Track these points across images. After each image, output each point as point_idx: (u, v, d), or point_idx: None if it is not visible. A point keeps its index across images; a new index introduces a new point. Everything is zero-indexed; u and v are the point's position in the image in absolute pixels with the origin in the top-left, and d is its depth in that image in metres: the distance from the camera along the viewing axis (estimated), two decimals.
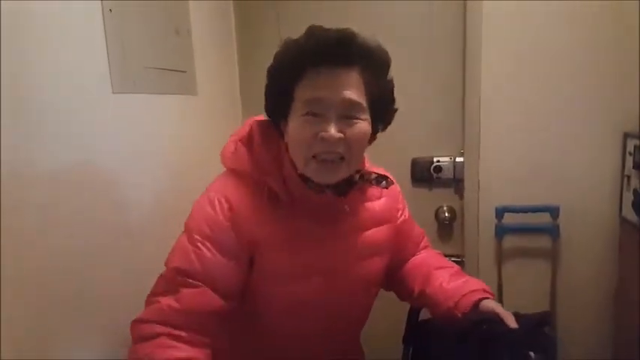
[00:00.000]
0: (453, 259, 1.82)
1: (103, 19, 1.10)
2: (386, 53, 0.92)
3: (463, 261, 1.82)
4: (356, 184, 0.98)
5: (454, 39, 1.77)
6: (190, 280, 0.87)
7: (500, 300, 1.75)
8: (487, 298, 0.98)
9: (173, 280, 0.88)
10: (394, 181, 1.05)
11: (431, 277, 1.07)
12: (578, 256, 1.74)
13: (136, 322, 0.88)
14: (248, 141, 0.96)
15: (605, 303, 1.74)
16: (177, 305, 0.85)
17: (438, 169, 1.83)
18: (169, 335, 0.84)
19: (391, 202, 1.08)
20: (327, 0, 1.81)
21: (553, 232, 1.72)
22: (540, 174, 1.72)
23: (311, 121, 0.87)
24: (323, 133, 0.85)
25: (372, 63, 0.89)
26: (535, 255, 1.77)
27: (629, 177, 1.60)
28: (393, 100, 0.97)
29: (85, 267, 1.03)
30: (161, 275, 0.91)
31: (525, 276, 1.77)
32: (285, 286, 0.94)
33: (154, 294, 0.90)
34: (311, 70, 0.86)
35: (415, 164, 1.85)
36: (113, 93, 1.13)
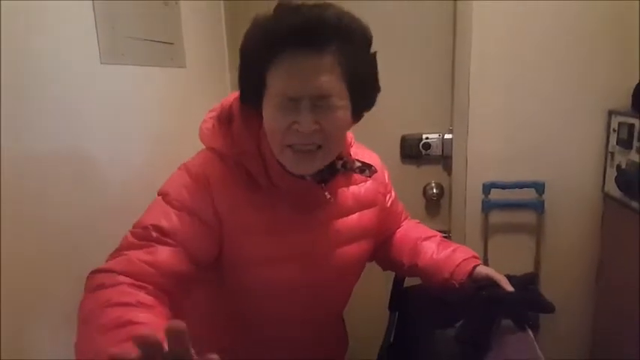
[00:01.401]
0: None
1: None
2: (364, 29, 0.84)
3: (450, 236, 1.85)
4: (338, 171, 0.94)
5: (445, 17, 1.76)
6: (167, 239, 0.81)
7: None
8: (478, 264, 1.02)
9: (147, 236, 0.81)
10: (377, 169, 1.00)
11: (420, 250, 1.08)
12: (562, 231, 1.79)
13: (95, 272, 0.77)
14: (227, 119, 0.91)
15: (588, 276, 1.80)
16: (149, 258, 0.78)
17: (427, 145, 1.84)
18: (132, 285, 0.74)
19: (377, 186, 1.06)
20: None
21: (538, 207, 1.75)
22: (526, 151, 1.74)
23: (284, 110, 0.80)
24: (297, 126, 0.80)
25: (347, 42, 0.80)
26: (521, 230, 1.81)
27: (612, 153, 1.64)
28: (375, 80, 0.88)
29: (76, 252, 1.01)
30: (130, 233, 0.83)
31: (511, 250, 1.81)
32: (261, 270, 0.92)
33: (120, 249, 0.81)
34: (281, 56, 0.79)
35: (404, 141, 1.87)
36: (101, 64, 1.11)
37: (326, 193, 0.93)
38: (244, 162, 0.88)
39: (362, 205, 1.01)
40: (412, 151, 1.86)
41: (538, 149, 1.74)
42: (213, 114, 0.93)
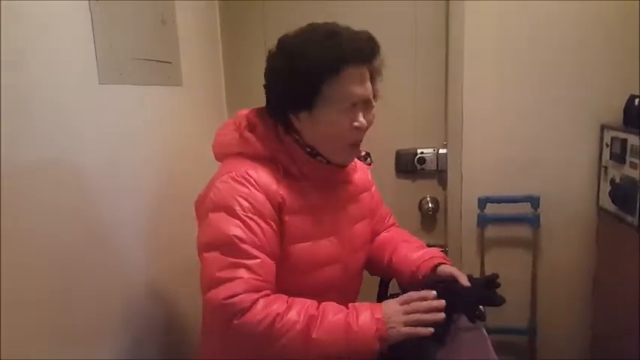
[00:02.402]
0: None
1: (90, 9, 1.08)
2: (380, 46, 1.04)
3: (446, 250, 1.85)
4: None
5: (437, 32, 1.79)
6: (252, 250, 0.92)
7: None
8: (445, 263, 1.11)
9: (238, 250, 0.91)
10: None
11: (397, 248, 1.21)
12: (558, 245, 1.80)
13: (226, 300, 0.88)
14: (251, 127, 1.04)
15: (584, 289, 1.80)
16: (259, 275, 0.92)
17: (422, 160, 1.86)
18: (264, 296, 0.91)
19: (363, 175, 1.22)
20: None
21: (534, 221, 1.76)
22: (521, 165, 1.76)
23: (346, 113, 0.99)
24: (357, 124, 0.99)
25: (377, 58, 1.03)
26: (516, 244, 1.82)
27: (606, 168, 1.66)
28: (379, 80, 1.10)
29: (72, 262, 1.01)
30: (216, 253, 0.92)
31: (507, 264, 1.82)
32: (305, 247, 1.03)
33: (221, 269, 0.91)
34: (344, 68, 0.96)
35: (399, 156, 1.88)
36: (100, 84, 1.12)
37: (343, 175, 1.11)
38: (276, 157, 1.03)
39: (360, 189, 1.18)
40: (407, 165, 1.88)
41: (532, 164, 1.76)
42: (231, 127, 1.06)
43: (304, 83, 0.96)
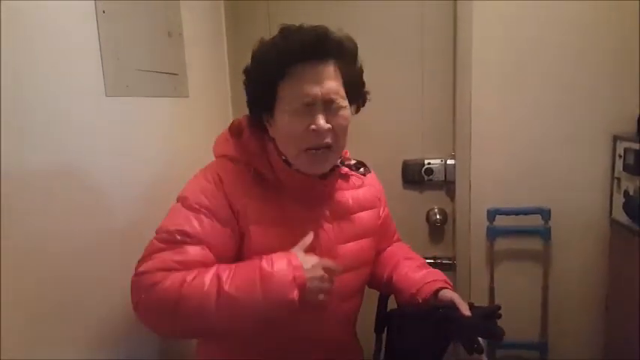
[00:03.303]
0: (444, 261, 1.85)
1: (97, 21, 1.09)
2: (354, 43, 1.00)
3: (455, 263, 1.83)
4: (337, 167, 1.07)
5: (445, 41, 1.78)
6: (191, 240, 0.92)
7: (492, 302, 1.77)
8: (447, 288, 1.08)
9: (173, 239, 0.92)
10: (371, 170, 1.18)
11: (398, 266, 1.18)
12: (569, 258, 1.76)
13: (138, 276, 0.90)
14: (237, 131, 1.05)
15: (597, 304, 1.76)
16: (179, 257, 0.90)
17: (429, 171, 1.84)
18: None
19: (373, 191, 1.18)
20: (317, 0, 1.82)
21: (544, 234, 1.73)
22: (531, 176, 1.73)
23: (300, 115, 0.93)
24: (313, 126, 0.93)
25: (344, 54, 0.97)
26: (527, 257, 1.78)
27: (619, 179, 1.62)
28: (364, 84, 1.05)
29: (77, 272, 1.01)
30: (155, 238, 0.94)
31: (517, 278, 1.78)
32: None
33: (151, 252, 0.92)
34: (293, 68, 0.93)
35: (406, 166, 1.86)
36: (106, 96, 1.12)
37: (326, 187, 1.06)
38: (253, 162, 1.01)
39: (362, 206, 1.13)
40: (414, 176, 1.85)
41: (543, 175, 1.73)
42: (226, 131, 1.08)
43: (260, 86, 0.97)
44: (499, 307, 1.01)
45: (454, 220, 1.85)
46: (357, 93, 1.03)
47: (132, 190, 1.22)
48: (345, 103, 0.97)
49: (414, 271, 1.15)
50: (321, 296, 0.90)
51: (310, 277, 0.87)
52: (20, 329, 0.87)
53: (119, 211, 1.17)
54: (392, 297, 1.25)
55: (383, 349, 1.22)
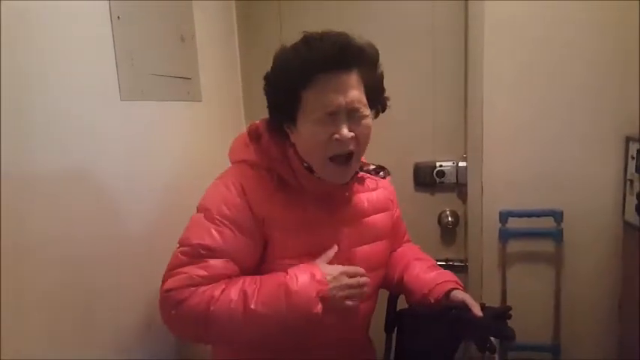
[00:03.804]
0: (456, 263, 1.84)
1: (112, 26, 1.11)
2: (376, 50, 1.00)
3: (467, 265, 1.83)
4: (357, 173, 1.07)
5: (456, 42, 1.78)
6: (215, 254, 0.94)
7: (504, 304, 1.76)
8: (458, 289, 1.10)
9: (196, 253, 0.93)
10: (387, 182, 1.19)
11: (409, 267, 1.20)
12: (582, 260, 1.75)
13: (166, 293, 0.92)
14: (256, 136, 1.05)
15: (610, 306, 1.75)
16: (205, 273, 0.92)
17: (441, 173, 1.84)
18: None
19: (386, 194, 1.19)
20: (328, 1, 1.82)
21: (557, 236, 1.72)
22: (543, 178, 1.73)
23: (324, 124, 0.94)
24: (337, 135, 0.93)
25: (366, 62, 0.97)
26: (539, 259, 1.77)
27: (631, 181, 1.61)
28: (384, 90, 1.05)
29: (89, 276, 1.02)
30: (179, 251, 0.96)
31: (529, 280, 1.78)
32: (293, 264, 0.99)
33: (175, 266, 0.94)
34: (317, 77, 0.93)
35: (418, 169, 1.86)
36: (121, 100, 1.13)
37: (346, 193, 1.07)
38: (275, 167, 1.02)
39: (377, 208, 1.14)
40: (426, 179, 1.85)
41: (555, 177, 1.72)
42: (244, 135, 1.07)
43: (283, 93, 0.97)
44: (510, 308, 1.03)
45: (466, 223, 1.84)
46: (377, 99, 1.03)
47: (147, 195, 1.24)
48: (367, 111, 0.98)
49: (425, 271, 1.17)
50: (349, 302, 0.93)
51: (333, 288, 0.92)
52: (37, 331, 0.88)
53: (134, 215, 1.18)
54: (401, 297, 1.27)
55: (393, 348, 1.23)
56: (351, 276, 0.96)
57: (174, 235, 1.31)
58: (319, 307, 0.89)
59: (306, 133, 0.96)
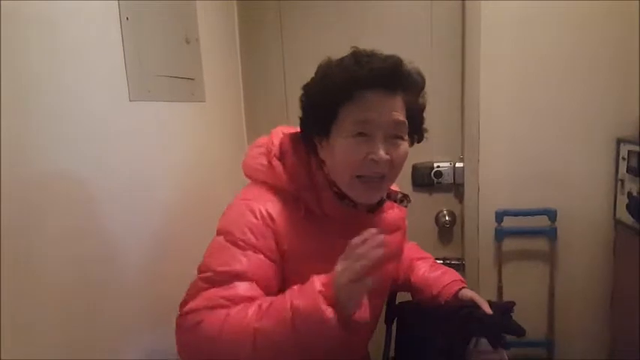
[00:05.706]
0: (453, 261, 1.88)
1: (121, 27, 1.11)
2: (423, 78, 0.98)
3: (463, 264, 1.86)
4: (384, 202, 1.04)
5: (453, 43, 1.81)
6: (242, 278, 0.87)
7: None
8: (464, 287, 1.13)
9: (222, 280, 0.87)
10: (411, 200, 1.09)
11: (414, 268, 1.22)
12: (575, 258, 1.80)
13: (183, 316, 0.85)
14: (281, 155, 0.98)
15: (602, 302, 1.80)
16: (228, 293, 0.85)
17: (439, 174, 1.87)
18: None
19: (400, 213, 1.13)
20: (327, 1, 1.83)
21: (551, 234, 1.77)
22: (538, 178, 1.77)
23: (360, 142, 0.89)
24: (373, 156, 0.89)
25: (412, 88, 0.95)
26: (534, 257, 1.82)
27: (622, 181, 1.66)
28: (424, 120, 1.02)
29: (99, 276, 1.02)
30: (199, 279, 0.89)
31: (525, 278, 1.82)
32: None
33: (195, 293, 0.87)
34: (361, 92, 0.89)
35: (416, 169, 1.89)
36: (130, 101, 1.14)
37: (374, 222, 1.00)
38: (302, 195, 0.95)
39: (392, 228, 1.09)
40: (424, 179, 1.89)
41: (549, 177, 1.77)
42: (262, 150, 1.01)
43: (321, 106, 0.92)
44: (514, 303, 1.04)
45: (463, 222, 1.88)
46: (416, 128, 0.99)
47: (154, 194, 1.24)
48: (406, 137, 0.94)
49: (430, 271, 1.20)
50: (367, 280, 0.79)
51: (341, 271, 0.79)
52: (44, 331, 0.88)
53: (140, 215, 1.18)
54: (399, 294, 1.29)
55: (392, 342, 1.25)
56: (353, 257, 0.80)
57: (182, 233, 1.34)
58: (329, 313, 0.76)
59: (339, 149, 0.91)
